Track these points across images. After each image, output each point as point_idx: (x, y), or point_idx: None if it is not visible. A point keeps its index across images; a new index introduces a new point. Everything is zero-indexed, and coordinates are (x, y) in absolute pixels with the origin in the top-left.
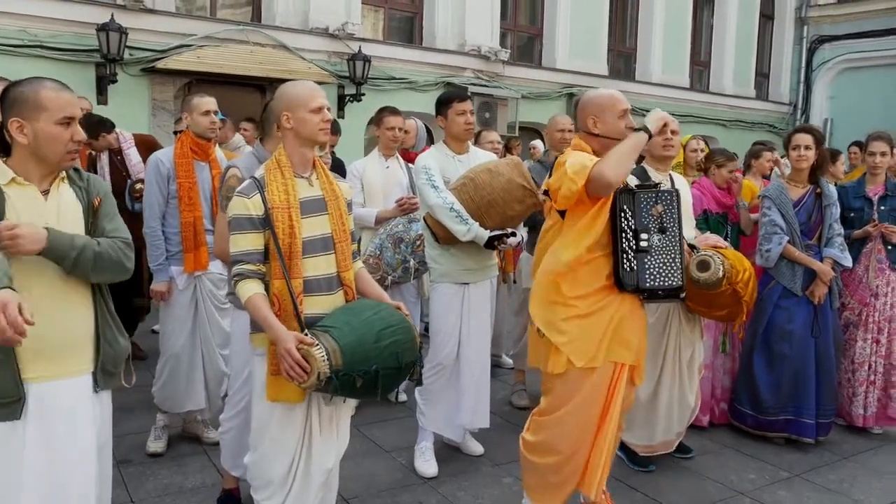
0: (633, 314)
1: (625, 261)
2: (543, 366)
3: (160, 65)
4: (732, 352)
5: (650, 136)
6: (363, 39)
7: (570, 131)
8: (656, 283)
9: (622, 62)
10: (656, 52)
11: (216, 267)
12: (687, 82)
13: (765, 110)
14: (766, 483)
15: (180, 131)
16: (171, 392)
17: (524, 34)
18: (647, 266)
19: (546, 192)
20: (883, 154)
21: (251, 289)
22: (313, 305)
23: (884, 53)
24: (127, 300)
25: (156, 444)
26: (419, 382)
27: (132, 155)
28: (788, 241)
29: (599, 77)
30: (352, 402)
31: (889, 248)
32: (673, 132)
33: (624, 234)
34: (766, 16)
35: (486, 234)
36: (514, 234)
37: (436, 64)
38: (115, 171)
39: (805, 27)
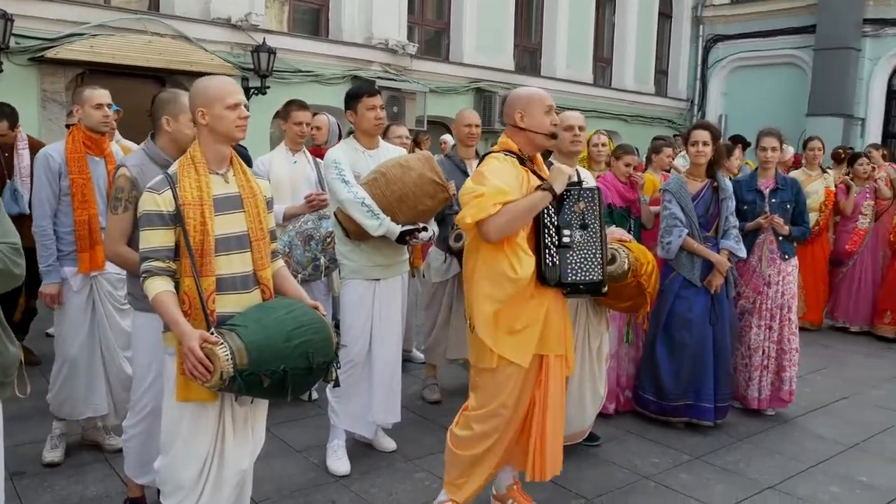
0: (557, 307)
1: (547, 256)
2: (475, 360)
3: (50, 54)
4: (636, 341)
5: (554, 196)
6: (267, 31)
7: (477, 126)
8: (578, 278)
9: (528, 57)
10: (561, 49)
11: (113, 266)
12: (590, 78)
13: (664, 106)
14: (669, 466)
15: (72, 125)
16: (67, 398)
17: (431, 28)
18: (568, 261)
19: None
20: (773, 149)
21: (159, 286)
22: (227, 304)
23: (772, 53)
24: (14, 304)
25: (52, 454)
26: (336, 384)
27: (25, 156)
28: (688, 234)
29: (506, 72)
30: (265, 402)
31: (780, 238)
32: (580, 128)
33: (547, 230)
34: (665, 15)
35: (397, 228)
36: (425, 229)
37: (342, 57)
38: None
39: (701, 26)
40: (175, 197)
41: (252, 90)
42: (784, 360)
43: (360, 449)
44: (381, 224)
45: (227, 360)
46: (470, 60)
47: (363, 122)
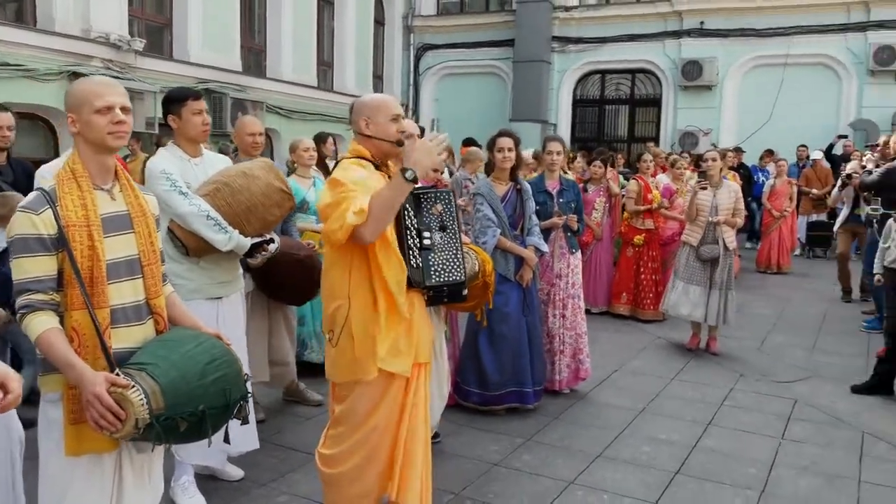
0: (423, 313)
1: (411, 258)
2: (345, 375)
3: None
4: (453, 338)
5: (415, 181)
6: None
7: (261, 134)
8: (441, 280)
9: (254, 58)
10: (286, 51)
11: None
12: (314, 81)
13: None
14: (510, 451)
15: None
16: None
17: (153, 23)
18: (431, 263)
19: None
20: (558, 153)
21: (44, 323)
22: (120, 339)
23: (477, 63)
24: None
25: None
26: (245, 420)
27: None
28: (501, 233)
29: (234, 72)
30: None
31: (568, 235)
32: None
33: (409, 232)
34: (379, 22)
35: (247, 241)
36: (272, 241)
37: (58, 50)
38: None
39: (412, 35)
40: (57, 217)
41: None
42: (580, 344)
43: (205, 482)
44: (231, 237)
45: (142, 404)
46: (197, 59)
47: (189, 127)
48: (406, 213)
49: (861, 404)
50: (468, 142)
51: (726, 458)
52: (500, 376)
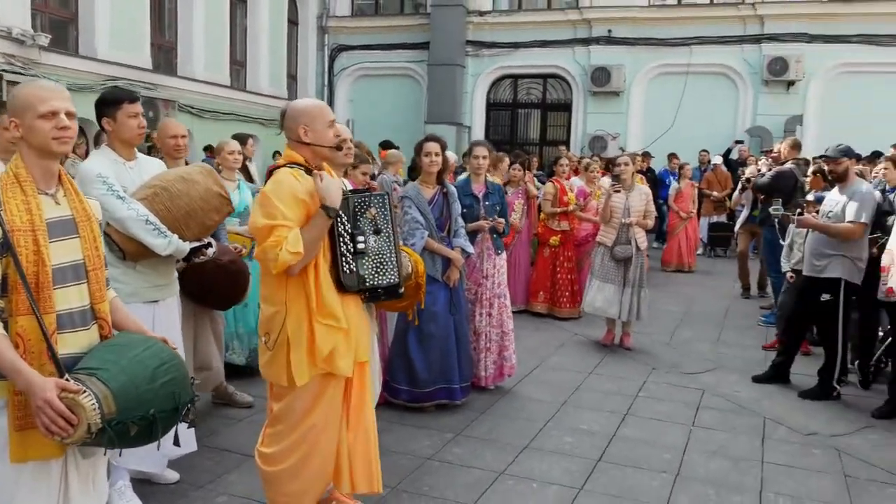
0: (360, 313)
1: (344, 264)
2: (285, 377)
3: None
4: (382, 338)
5: (332, 217)
6: None
7: (183, 137)
8: (376, 282)
9: (164, 56)
10: (198, 49)
11: None
12: (227, 80)
13: None
14: (441, 445)
15: None
16: None
17: (58, 18)
18: (365, 267)
19: None
20: (484, 157)
21: None
22: (66, 344)
23: (392, 65)
24: None
25: None
26: (192, 424)
27: None
28: (428, 235)
29: (143, 70)
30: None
31: (494, 236)
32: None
33: (342, 239)
34: (293, 22)
35: (186, 246)
36: (210, 245)
37: None
38: None
39: (326, 35)
40: (1, 222)
41: None
42: (505, 341)
43: (140, 487)
44: (171, 242)
45: (94, 409)
46: (104, 56)
47: (124, 130)
48: (340, 220)
49: (761, 392)
50: (386, 144)
51: (643, 445)
52: (429, 374)
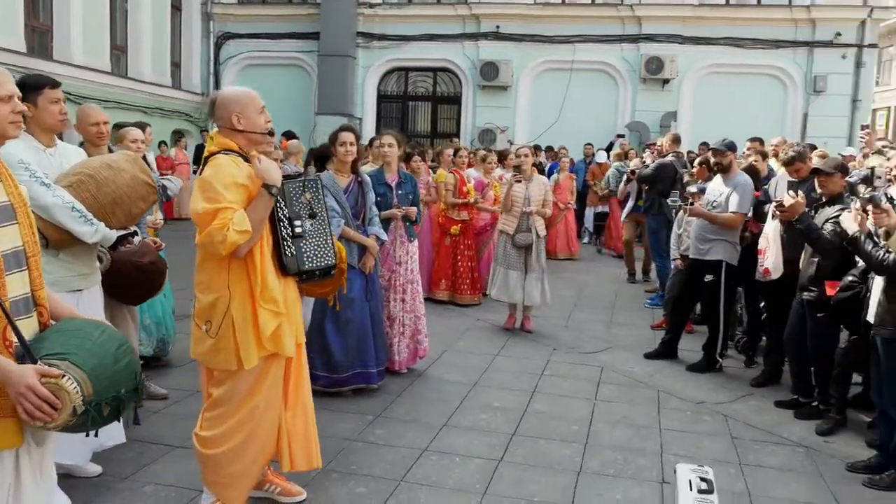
0: (296, 297)
1: (285, 247)
2: (226, 362)
3: None
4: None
5: (274, 195)
6: None
7: (105, 123)
8: (314, 265)
9: (39, 39)
10: (76, 33)
11: None
12: (108, 66)
13: (181, 99)
14: (363, 427)
15: None
16: None
17: None
18: (304, 250)
19: None
20: (390, 145)
21: None
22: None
23: (280, 54)
24: None
25: None
26: (139, 402)
27: None
28: (344, 223)
29: (17, 53)
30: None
31: (407, 224)
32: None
33: (282, 223)
34: (176, 7)
35: (114, 234)
36: (136, 233)
37: None
38: None
39: (211, 22)
40: None
41: None
42: (418, 325)
43: (60, 480)
44: (97, 230)
45: (77, 392)
46: None
47: (46, 116)
48: (277, 204)
49: (653, 367)
50: (288, 134)
51: (553, 418)
52: (346, 358)
